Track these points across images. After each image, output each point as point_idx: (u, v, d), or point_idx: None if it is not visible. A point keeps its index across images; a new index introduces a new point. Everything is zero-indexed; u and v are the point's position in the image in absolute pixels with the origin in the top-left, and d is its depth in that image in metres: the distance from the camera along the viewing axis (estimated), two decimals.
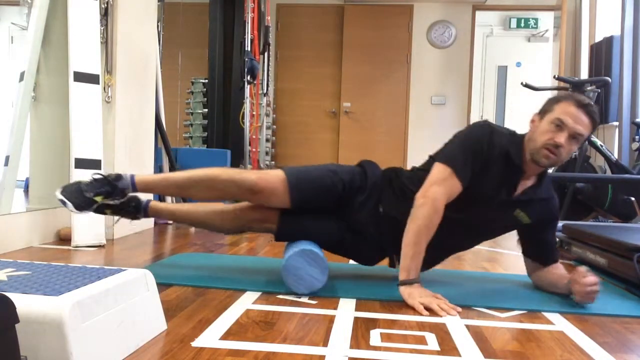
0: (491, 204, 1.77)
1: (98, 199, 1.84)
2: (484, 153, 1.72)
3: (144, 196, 2.05)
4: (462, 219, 1.76)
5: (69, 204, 1.81)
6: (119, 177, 1.89)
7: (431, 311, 1.56)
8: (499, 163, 1.74)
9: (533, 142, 1.71)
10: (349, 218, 1.86)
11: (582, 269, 1.67)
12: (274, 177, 1.82)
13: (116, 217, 2.00)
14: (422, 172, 1.80)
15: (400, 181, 1.86)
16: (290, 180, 1.82)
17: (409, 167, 1.98)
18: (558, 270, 1.86)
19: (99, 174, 1.90)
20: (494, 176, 1.74)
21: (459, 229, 1.79)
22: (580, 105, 1.66)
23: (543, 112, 1.73)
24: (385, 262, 1.96)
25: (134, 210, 1.97)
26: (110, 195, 1.87)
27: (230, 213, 1.95)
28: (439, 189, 1.68)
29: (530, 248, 1.92)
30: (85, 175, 2.48)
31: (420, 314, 1.54)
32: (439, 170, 1.72)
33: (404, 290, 1.64)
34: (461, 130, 1.82)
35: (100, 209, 1.89)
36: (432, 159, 1.81)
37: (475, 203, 1.75)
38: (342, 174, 1.87)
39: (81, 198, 1.82)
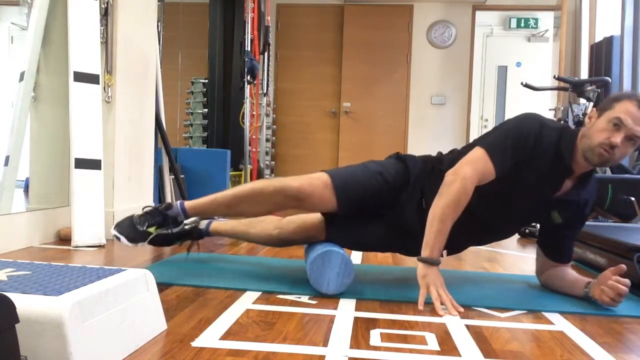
0: (531, 200, 1.73)
1: (152, 230, 1.88)
2: (528, 146, 1.66)
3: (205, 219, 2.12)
4: (497, 211, 1.72)
5: (123, 238, 1.85)
6: (168, 206, 1.94)
7: (430, 309, 1.56)
8: (545, 159, 1.68)
9: (588, 139, 1.65)
10: (395, 218, 1.83)
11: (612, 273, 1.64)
12: (318, 181, 1.80)
13: (185, 242, 2.08)
14: (460, 154, 1.75)
15: (443, 170, 1.78)
16: (336, 184, 1.79)
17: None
18: (571, 272, 1.83)
19: (148, 206, 1.95)
20: (537, 172, 1.68)
21: (490, 220, 1.76)
22: None
23: (602, 109, 1.66)
24: (387, 261, 1.96)
25: (197, 236, 2.07)
26: (163, 225, 1.91)
27: (274, 238, 2.00)
28: (469, 169, 1.64)
29: (548, 242, 1.87)
30: (84, 175, 2.49)
31: (418, 305, 1.56)
32: (476, 152, 1.68)
33: (421, 268, 1.62)
34: (511, 118, 1.77)
35: (158, 241, 1.93)
36: (475, 143, 1.77)
37: (515, 197, 1.72)
38: (386, 174, 1.83)
39: (135, 231, 1.86)
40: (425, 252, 1.64)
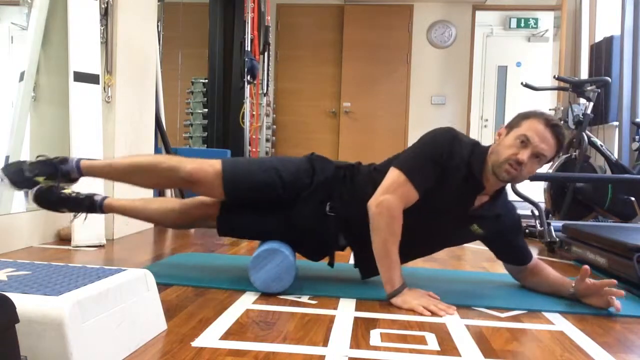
0: (447, 216, 1.74)
1: (40, 179, 1.82)
2: (442, 162, 1.67)
3: (103, 193, 2.06)
4: (417, 228, 1.70)
5: (6, 180, 1.80)
6: (64, 160, 1.88)
7: (431, 311, 1.56)
8: (457, 175, 1.68)
9: (496, 155, 1.67)
10: (291, 216, 1.81)
11: (591, 281, 1.66)
12: (211, 168, 1.78)
13: (73, 214, 2.00)
14: (378, 175, 1.74)
15: (355, 181, 1.81)
16: (225, 174, 1.78)
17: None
18: (550, 273, 1.84)
19: (43, 155, 1.87)
20: (451, 188, 1.69)
21: (415, 237, 1.73)
22: (548, 125, 1.62)
23: (510, 127, 1.68)
24: None
25: (89, 208, 1.97)
26: (53, 177, 1.85)
27: (175, 212, 1.96)
28: (392, 197, 1.63)
29: (499, 252, 1.91)
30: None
31: (422, 315, 1.55)
32: (394, 176, 1.67)
33: (397, 300, 1.62)
34: (424, 134, 1.76)
35: (45, 196, 1.87)
36: (391, 161, 1.76)
37: (431, 214, 1.71)
38: (284, 171, 1.80)
39: (21, 177, 1.80)
40: (388, 289, 1.65)
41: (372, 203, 1.66)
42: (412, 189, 1.65)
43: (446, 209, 1.73)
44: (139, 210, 2.03)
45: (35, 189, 1.84)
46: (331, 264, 1.94)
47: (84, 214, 1.98)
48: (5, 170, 1.81)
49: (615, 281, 1.63)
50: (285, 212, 1.81)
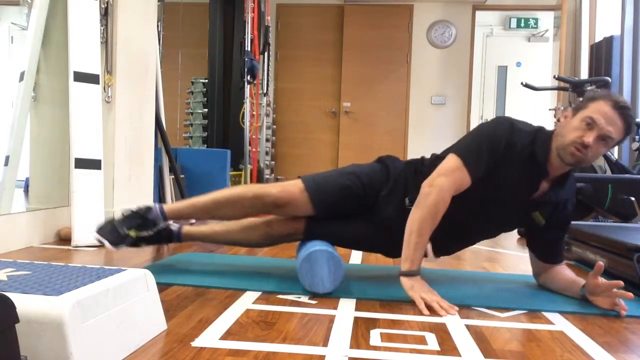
0: (509, 204, 1.74)
1: (132, 233, 1.89)
2: (500, 151, 1.67)
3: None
4: (477, 214, 1.74)
5: (106, 242, 1.86)
6: (148, 209, 1.94)
7: (431, 310, 1.56)
8: (518, 162, 1.68)
9: (561, 137, 1.66)
10: (374, 216, 1.85)
11: (602, 280, 1.65)
12: (295, 187, 1.84)
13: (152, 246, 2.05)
14: (440, 161, 1.76)
15: (425, 173, 1.80)
16: (309, 188, 1.83)
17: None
18: (567, 272, 1.83)
19: (127, 209, 1.95)
20: (512, 175, 1.69)
21: (472, 224, 1.77)
22: (616, 107, 1.59)
23: (577, 109, 1.67)
24: (387, 261, 1.95)
25: (168, 238, 2.02)
26: (142, 228, 1.92)
27: (260, 230, 1.98)
28: (445, 180, 1.65)
29: (537, 244, 1.88)
30: (84, 175, 2.49)
31: (421, 311, 1.55)
32: (450, 160, 1.70)
33: (406, 282, 1.63)
34: (483, 122, 1.79)
35: (135, 242, 1.93)
36: (451, 148, 1.78)
37: (492, 201, 1.73)
38: (361, 174, 1.87)
39: (116, 235, 1.86)
40: (405, 266, 1.66)
41: (426, 183, 1.68)
42: (466, 174, 1.66)
43: (508, 197, 1.73)
44: (221, 234, 2.05)
45: (129, 240, 1.90)
46: (426, 255, 1.92)
47: (165, 245, 2.03)
48: (102, 232, 1.86)
49: (622, 283, 1.62)
50: (370, 214, 1.86)
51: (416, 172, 1.85)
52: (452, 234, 1.76)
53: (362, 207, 1.86)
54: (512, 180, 1.71)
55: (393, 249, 1.90)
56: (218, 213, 1.91)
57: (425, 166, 1.85)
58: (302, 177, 1.89)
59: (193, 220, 2.78)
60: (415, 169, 1.87)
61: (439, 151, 1.90)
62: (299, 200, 1.83)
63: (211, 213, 1.91)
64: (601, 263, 1.64)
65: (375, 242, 1.91)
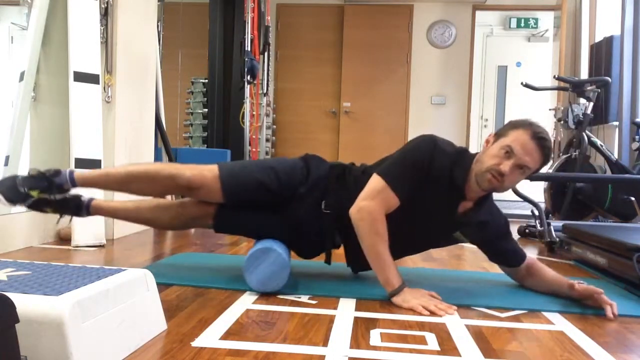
0: (430, 222, 1.76)
1: (34, 193, 1.82)
2: (424, 169, 1.69)
3: (88, 194, 2.00)
4: (403, 232, 1.73)
5: (1, 197, 1.81)
6: (57, 172, 1.88)
7: (431, 311, 1.56)
8: (438, 182, 1.70)
9: (480, 163, 1.68)
10: (287, 214, 1.84)
11: (585, 285, 1.67)
12: (209, 173, 1.82)
13: (57, 215, 1.96)
14: (366, 178, 1.76)
15: (348, 180, 1.83)
16: (222, 176, 1.81)
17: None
18: (547, 273, 1.84)
19: (35, 169, 1.88)
20: (433, 196, 1.71)
21: (400, 241, 1.76)
22: (534, 137, 1.62)
23: (498, 135, 1.69)
24: None
25: (75, 208, 1.95)
26: (46, 191, 1.85)
27: (171, 210, 1.94)
28: (372, 203, 1.66)
29: (491, 256, 1.92)
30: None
31: (423, 314, 1.55)
32: (374, 182, 1.70)
33: (397, 299, 1.63)
34: (409, 141, 1.79)
35: (38, 205, 1.87)
36: (379, 165, 1.79)
37: (415, 221, 1.74)
38: (280, 171, 1.84)
39: (15, 192, 1.80)
40: (387, 288, 1.66)
41: (353, 210, 1.69)
42: (392, 194, 1.67)
43: (429, 216, 1.75)
44: (131, 210, 1.99)
45: (29, 201, 1.83)
46: (328, 261, 1.95)
47: (68, 216, 1.95)
48: (2, 188, 1.81)
49: (600, 290, 1.65)
50: (282, 210, 1.84)
51: (338, 178, 1.86)
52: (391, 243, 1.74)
53: (274, 202, 1.84)
54: (431, 200, 1.72)
55: (304, 250, 1.93)
56: (130, 187, 1.88)
57: (351, 175, 1.85)
58: (220, 164, 1.86)
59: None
60: (338, 175, 1.87)
61: None
62: (211, 187, 1.80)
63: (123, 186, 1.87)
64: (572, 282, 1.69)
65: (284, 238, 1.87)
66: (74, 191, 1.93)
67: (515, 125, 1.67)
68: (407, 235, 1.77)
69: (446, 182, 1.70)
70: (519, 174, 1.65)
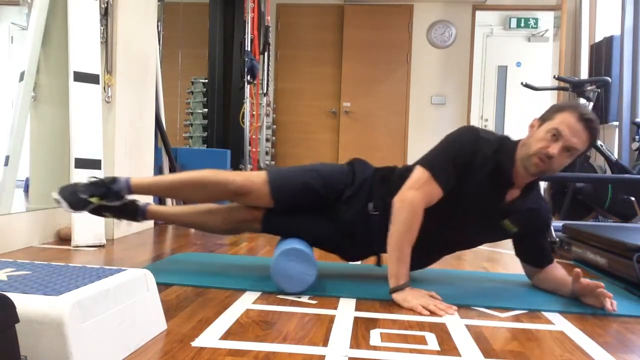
0: (477, 213, 1.75)
1: (93, 200, 1.90)
2: (466, 160, 1.69)
3: (144, 200, 2.09)
4: (447, 226, 1.74)
5: (64, 203, 1.88)
6: (114, 180, 1.95)
7: (431, 311, 1.56)
8: (484, 172, 1.70)
9: (527, 147, 1.68)
10: (335, 216, 1.86)
11: (587, 281, 1.66)
12: (257, 178, 1.86)
13: (116, 219, 2.06)
14: (409, 173, 1.77)
15: (393, 182, 1.83)
16: (271, 181, 1.85)
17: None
18: (557, 272, 1.84)
19: (94, 176, 1.96)
20: (479, 185, 1.71)
21: (443, 236, 1.77)
22: (581, 119, 1.61)
23: (543, 119, 1.69)
24: (386, 261, 1.95)
25: (132, 213, 2.02)
26: (105, 197, 1.92)
27: (220, 215, 1.99)
28: (415, 193, 1.66)
29: (522, 251, 1.91)
30: (84, 175, 2.49)
31: (421, 314, 1.55)
32: (418, 174, 1.71)
33: (398, 297, 1.63)
34: (450, 133, 1.79)
35: (97, 211, 1.95)
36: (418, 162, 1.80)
37: (461, 212, 1.74)
38: (324, 173, 1.88)
39: (76, 198, 1.88)
40: (392, 283, 1.66)
41: (397, 199, 1.69)
42: (436, 186, 1.67)
43: (475, 207, 1.74)
44: (183, 215, 2.06)
45: (90, 207, 1.91)
46: (378, 263, 1.96)
47: (125, 221, 2.03)
48: (62, 193, 1.88)
49: (602, 284, 1.65)
50: (330, 213, 1.87)
51: (383, 180, 1.87)
52: (426, 249, 1.75)
53: (321, 206, 1.87)
54: (478, 189, 1.72)
55: (350, 252, 1.95)
56: (181, 193, 1.94)
57: (395, 176, 1.85)
58: (268, 169, 1.91)
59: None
60: (383, 177, 1.88)
61: None
62: (261, 192, 1.84)
63: (175, 192, 1.96)
64: (578, 270, 1.67)
65: (332, 242, 1.91)
66: (131, 197, 2.00)
67: (561, 108, 1.68)
68: (452, 230, 1.78)
69: (492, 171, 1.70)
70: (566, 156, 1.65)
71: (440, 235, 1.76)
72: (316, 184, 1.85)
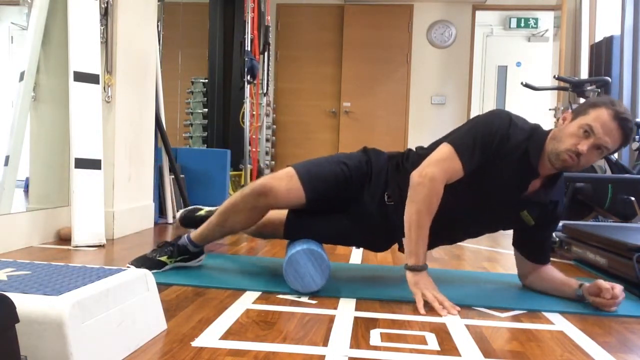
0: (498, 200, 1.71)
1: (164, 259, 1.92)
2: (494, 144, 1.64)
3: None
4: (465, 208, 1.71)
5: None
6: (177, 238, 1.99)
7: (430, 310, 1.56)
8: (511, 159, 1.65)
9: (557, 142, 1.63)
10: (358, 211, 1.83)
11: (604, 284, 1.64)
12: (282, 173, 1.82)
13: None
14: (427, 152, 1.73)
15: (406, 168, 1.78)
16: (301, 174, 1.79)
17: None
18: (557, 272, 1.83)
19: (161, 241, 2.02)
20: (504, 172, 1.67)
21: (459, 218, 1.74)
22: (616, 117, 1.55)
23: (577, 113, 1.63)
24: (387, 260, 1.95)
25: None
26: (174, 255, 1.95)
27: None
28: (436, 169, 1.61)
29: (524, 244, 1.86)
30: (84, 175, 2.50)
31: (418, 310, 1.55)
32: (442, 150, 1.66)
33: (411, 277, 1.62)
34: (481, 114, 1.74)
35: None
36: (439, 141, 1.75)
37: (482, 195, 1.70)
38: (350, 164, 1.84)
39: (151, 262, 1.89)
40: (410, 260, 1.63)
41: (415, 173, 1.64)
42: (458, 163, 1.63)
43: (497, 193, 1.70)
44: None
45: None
46: (402, 249, 1.88)
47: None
48: (137, 263, 1.88)
49: (621, 293, 1.63)
50: (352, 208, 1.83)
51: (397, 167, 1.83)
52: (437, 227, 1.68)
53: (346, 198, 1.83)
54: (502, 175, 1.67)
55: (377, 243, 1.93)
56: (228, 223, 1.88)
57: (408, 162, 1.81)
58: (293, 165, 1.85)
59: None
60: (397, 164, 1.84)
61: None
62: (289, 186, 1.77)
63: (223, 225, 1.89)
64: (607, 285, 1.63)
65: (356, 236, 1.88)
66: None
67: (596, 103, 1.61)
68: (472, 213, 1.74)
69: (519, 159, 1.65)
70: (596, 154, 1.60)
71: (454, 216, 1.70)
72: (342, 172, 1.81)
